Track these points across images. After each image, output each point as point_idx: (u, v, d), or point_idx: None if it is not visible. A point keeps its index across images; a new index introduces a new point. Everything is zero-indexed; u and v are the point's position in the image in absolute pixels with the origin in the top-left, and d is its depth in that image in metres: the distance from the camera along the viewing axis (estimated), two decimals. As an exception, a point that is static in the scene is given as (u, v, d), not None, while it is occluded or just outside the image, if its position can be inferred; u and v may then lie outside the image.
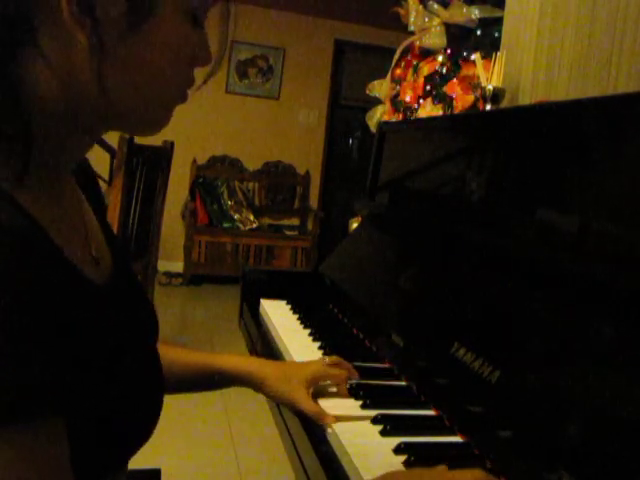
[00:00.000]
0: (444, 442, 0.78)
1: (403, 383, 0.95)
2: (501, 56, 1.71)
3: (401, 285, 1.15)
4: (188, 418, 2.57)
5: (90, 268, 0.56)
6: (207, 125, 5.33)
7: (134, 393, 0.57)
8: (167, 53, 0.53)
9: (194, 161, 5.30)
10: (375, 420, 0.80)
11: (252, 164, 5.55)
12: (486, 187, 1.02)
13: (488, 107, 1.68)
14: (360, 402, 0.86)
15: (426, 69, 2.21)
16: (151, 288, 2.94)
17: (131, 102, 0.54)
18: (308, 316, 1.27)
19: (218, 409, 2.74)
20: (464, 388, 0.81)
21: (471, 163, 1.09)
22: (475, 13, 2.11)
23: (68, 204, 0.58)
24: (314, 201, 5.80)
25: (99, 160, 3.44)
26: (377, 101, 2.61)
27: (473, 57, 1.97)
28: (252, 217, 5.32)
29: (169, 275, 5.04)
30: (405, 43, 2.40)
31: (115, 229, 2.39)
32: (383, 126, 1.57)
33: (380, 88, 2.55)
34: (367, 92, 2.63)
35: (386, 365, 1.03)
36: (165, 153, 2.86)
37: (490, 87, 1.67)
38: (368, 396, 0.87)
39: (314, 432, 0.81)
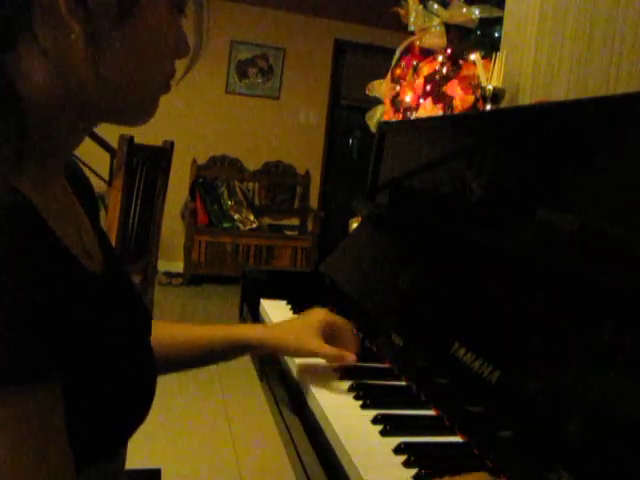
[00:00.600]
0: (444, 442, 0.78)
1: (403, 383, 0.95)
2: (501, 56, 1.71)
3: (401, 285, 1.15)
4: (188, 418, 2.58)
5: (85, 259, 0.57)
6: (207, 125, 5.33)
7: (129, 374, 0.59)
8: (154, 40, 0.56)
9: (194, 161, 5.30)
10: (375, 420, 0.80)
11: (252, 164, 5.55)
12: (486, 187, 1.02)
13: (488, 107, 1.68)
14: (360, 402, 0.86)
15: (426, 69, 2.21)
16: (151, 288, 2.94)
17: (124, 90, 0.56)
18: (308, 316, 1.27)
19: (218, 409, 2.74)
20: (464, 388, 0.81)
21: (471, 163, 1.09)
22: (475, 13, 2.12)
23: (60, 199, 0.59)
24: (314, 201, 5.80)
25: (99, 160, 3.43)
26: (377, 101, 2.61)
27: (473, 57, 1.97)
28: (252, 217, 5.33)
29: (169, 275, 5.04)
30: (405, 43, 2.40)
31: (115, 229, 2.39)
32: (383, 126, 1.57)
33: (380, 88, 2.55)
34: (367, 92, 2.63)
35: (386, 365, 1.03)
36: (165, 153, 2.86)
37: (490, 87, 1.68)
38: (368, 396, 0.87)
39: (314, 432, 0.82)
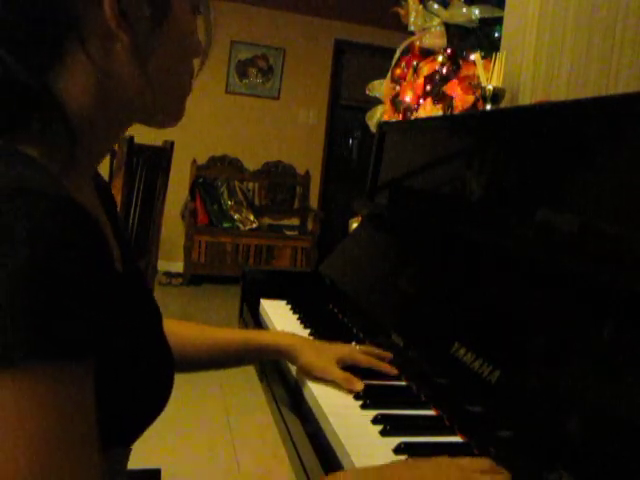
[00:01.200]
0: (444, 442, 0.78)
1: (403, 383, 0.95)
2: (501, 56, 1.71)
3: (401, 285, 1.15)
4: (188, 418, 2.57)
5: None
6: (207, 125, 5.33)
7: (150, 364, 0.62)
8: (185, 42, 0.60)
9: (194, 161, 5.30)
10: (375, 420, 0.80)
11: (252, 164, 5.55)
12: (486, 187, 1.02)
13: (488, 107, 1.68)
14: (360, 402, 0.86)
15: (426, 69, 2.21)
16: (151, 288, 2.94)
17: (164, 91, 0.60)
18: (308, 316, 1.27)
19: (218, 410, 2.74)
20: (464, 388, 0.81)
21: (471, 163, 1.09)
22: (475, 13, 2.11)
23: (92, 201, 0.63)
24: (314, 201, 5.80)
25: (99, 160, 3.43)
26: (377, 101, 2.61)
27: (473, 57, 1.97)
28: (252, 217, 5.32)
29: (169, 275, 5.04)
30: (405, 43, 2.40)
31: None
32: (383, 126, 1.57)
33: (380, 88, 2.55)
34: (367, 92, 2.63)
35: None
36: (165, 153, 2.85)
37: (490, 87, 1.67)
38: (368, 396, 0.87)
39: (314, 432, 0.82)
